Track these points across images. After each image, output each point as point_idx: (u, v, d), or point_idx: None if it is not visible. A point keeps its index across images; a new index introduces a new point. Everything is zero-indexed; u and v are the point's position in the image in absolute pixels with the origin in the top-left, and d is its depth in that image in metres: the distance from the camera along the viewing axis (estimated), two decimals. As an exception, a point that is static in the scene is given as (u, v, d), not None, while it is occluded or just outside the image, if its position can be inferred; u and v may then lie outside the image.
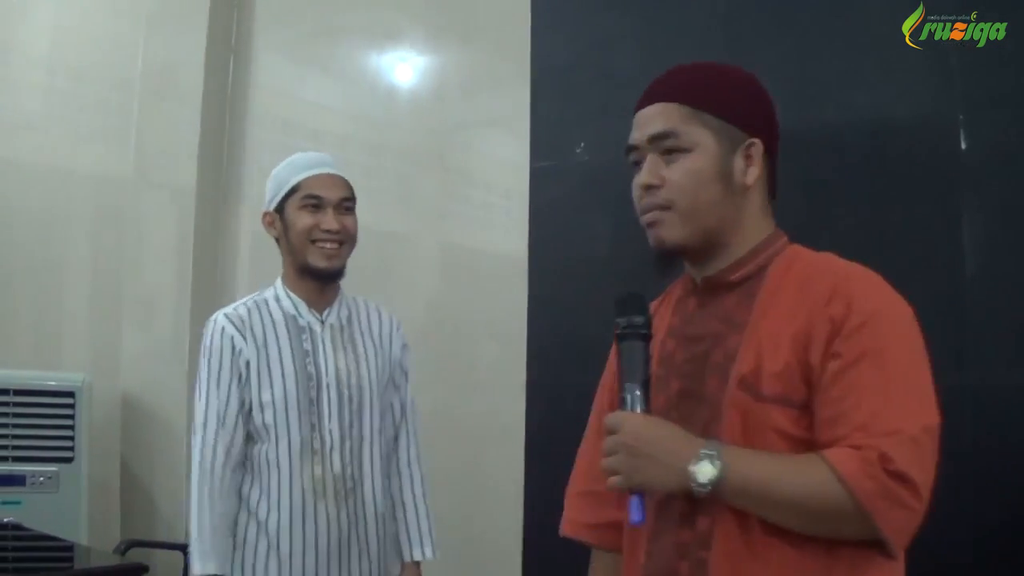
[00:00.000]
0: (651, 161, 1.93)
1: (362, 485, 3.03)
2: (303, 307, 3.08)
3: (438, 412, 4.04)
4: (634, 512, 1.78)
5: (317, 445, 2.98)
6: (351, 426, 3.03)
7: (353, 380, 3.05)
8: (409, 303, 4.22)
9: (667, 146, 1.92)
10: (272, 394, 2.99)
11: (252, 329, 3.03)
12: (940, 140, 2.90)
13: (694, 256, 1.97)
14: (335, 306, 3.12)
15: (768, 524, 1.76)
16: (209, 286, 4.83)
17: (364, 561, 3.03)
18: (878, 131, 3.00)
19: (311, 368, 3.03)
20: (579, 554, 3.25)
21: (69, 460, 4.43)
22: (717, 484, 1.71)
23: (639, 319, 1.87)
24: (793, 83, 3.13)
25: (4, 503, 4.25)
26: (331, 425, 3.00)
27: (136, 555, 3.99)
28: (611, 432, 1.80)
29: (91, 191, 5.53)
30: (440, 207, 4.31)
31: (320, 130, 4.87)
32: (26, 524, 4.02)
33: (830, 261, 1.92)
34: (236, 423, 2.99)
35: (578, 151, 3.58)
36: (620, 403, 1.83)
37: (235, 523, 2.99)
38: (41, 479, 4.36)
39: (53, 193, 5.65)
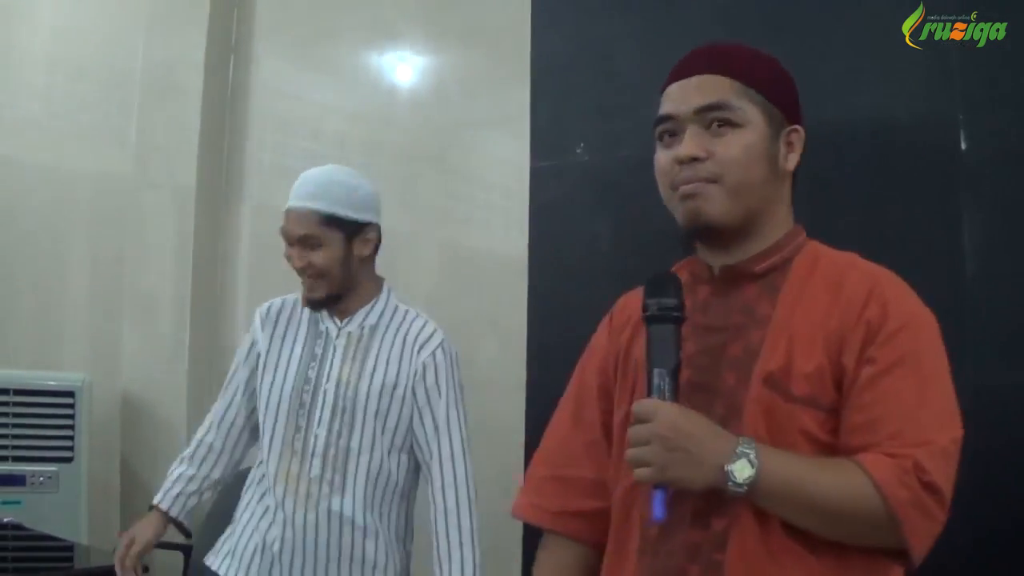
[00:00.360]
0: (695, 133, 1.87)
1: (341, 495, 2.99)
2: (325, 313, 3.11)
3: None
4: (657, 507, 1.71)
5: (298, 446, 3.00)
6: (339, 435, 3.00)
7: (350, 392, 3.02)
8: (409, 303, 4.22)
9: (718, 117, 1.86)
10: (269, 390, 3.07)
11: (276, 322, 3.15)
12: (940, 140, 2.89)
13: (727, 238, 1.91)
14: (359, 315, 3.10)
15: (787, 527, 1.72)
16: (209, 285, 4.84)
17: (314, 564, 2.99)
18: (878, 131, 2.99)
19: (312, 372, 3.05)
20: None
21: (69, 460, 4.44)
22: (753, 484, 1.66)
23: (671, 301, 1.79)
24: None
25: (4, 503, 4.26)
26: (318, 431, 3.00)
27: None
28: (642, 420, 1.72)
29: (91, 190, 5.52)
30: (440, 207, 4.31)
31: (320, 129, 4.87)
32: (26, 524, 4.03)
33: (858, 261, 1.90)
34: (238, 406, 3.20)
35: (578, 151, 3.58)
36: (648, 389, 1.75)
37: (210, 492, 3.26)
38: (41, 479, 4.37)
39: (53, 192, 5.65)
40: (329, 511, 2.97)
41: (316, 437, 2.99)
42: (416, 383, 3.04)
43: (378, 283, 3.16)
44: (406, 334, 3.09)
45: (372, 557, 3.03)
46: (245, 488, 3.15)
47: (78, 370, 4.74)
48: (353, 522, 3.00)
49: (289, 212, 3.02)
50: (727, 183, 1.84)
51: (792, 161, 1.93)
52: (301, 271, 3.01)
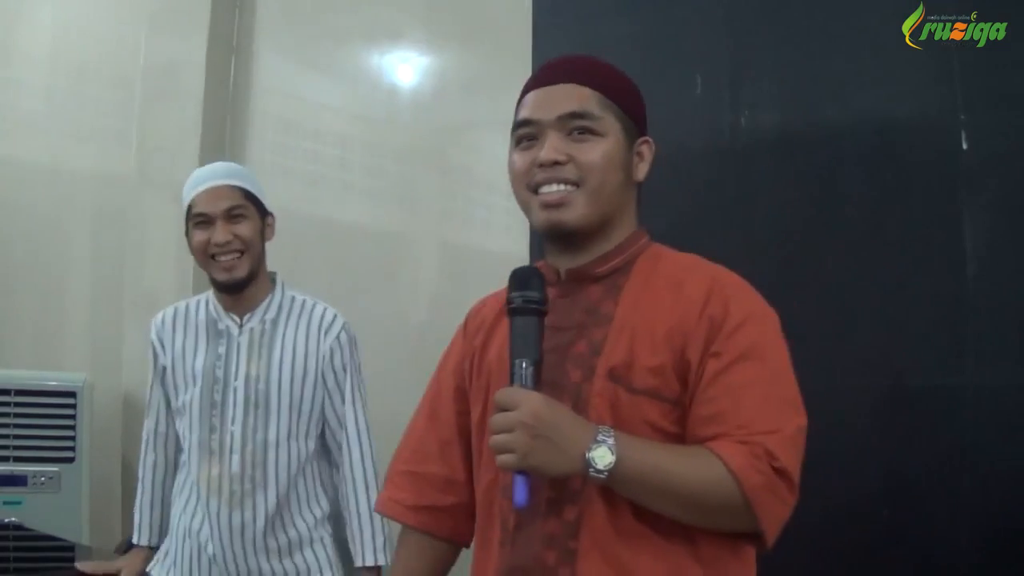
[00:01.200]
0: (555, 138, 1.94)
1: (264, 489, 3.02)
2: (221, 311, 3.13)
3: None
4: (519, 492, 1.76)
5: (215, 446, 3.03)
6: (255, 430, 3.03)
7: (261, 385, 3.05)
8: (410, 303, 4.22)
9: (580, 126, 1.94)
10: (181, 396, 3.11)
11: (173, 330, 3.17)
12: (941, 140, 2.90)
13: (580, 241, 1.99)
14: (259, 311, 3.12)
15: (638, 513, 1.80)
16: (209, 286, 4.83)
17: (257, 564, 3.03)
18: (879, 131, 3.00)
19: (219, 372, 3.07)
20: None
21: (70, 460, 4.43)
22: (612, 471, 1.71)
23: (535, 294, 1.86)
24: (794, 83, 3.13)
25: (5, 503, 4.25)
26: (233, 428, 3.03)
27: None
28: (505, 408, 1.77)
29: (92, 190, 5.52)
30: (441, 207, 4.31)
31: (321, 130, 4.87)
32: (27, 524, 4.02)
33: (699, 262, 1.99)
34: (164, 417, 3.24)
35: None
36: (511, 379, 1.81)
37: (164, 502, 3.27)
38: (42, 479, 4.36)
39: (54, 192, 5.65)
40: (255, 507, 3.01)
41: (232, 434, 3.02)
42: (325, 368, 3.11)
43: (270, 276, 3.19)
44: (308, 322, 3.14)
45: (306, 544, 3.10)
46: (173, 497, 3.19)
47: (79, 370, 4.73)
48: (280, 514, 3.05)
49: (208, 191, 3.05)
50: (588, 187, 1.93)
51: (642, 171, 2.02)
52: (224, 246, 3.01)
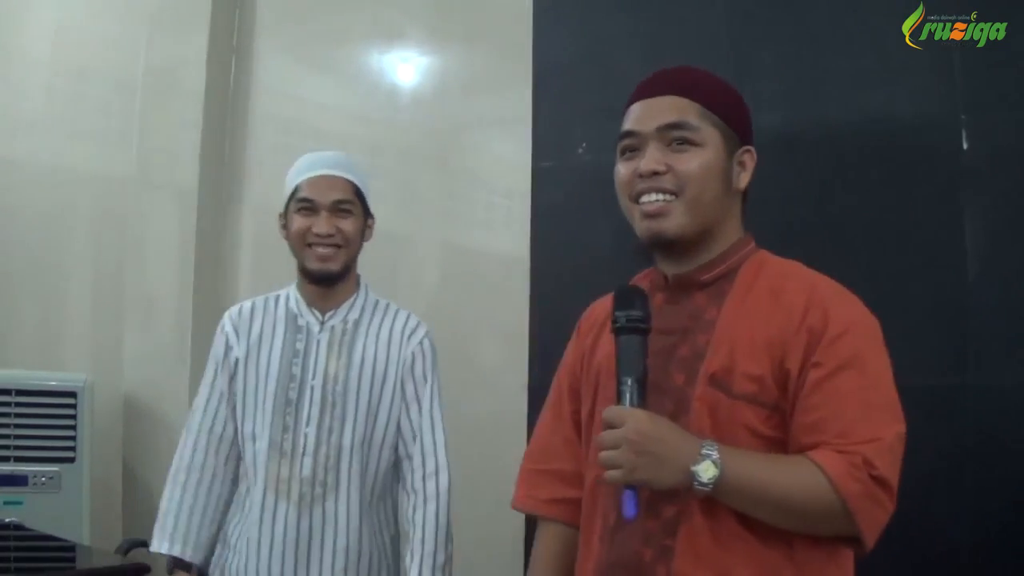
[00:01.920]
0: (656, 148, 2.00)
1: (335, 494, 2.94)
2: (304, 307, 3.04)
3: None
4: (628, 506, 1.82)
5: (287, 447, 2.93)
6: (331, 432, 2.95)
7: (339, 387, 2.97)
8: (411, 304, 4.19)
9: (679, 136, 2.00)
10: (256, 393, 2.99)
11: (250, 325, 3.05)
12: (942, 139, 2.90)
13: (682, 250, 2.04)
14: (342, 309, 3.06)
15: (737, 516, 1.86)
16: (211, 286, 4.83)
17: (320, 568, 2.94)
18: (880, 130, 3.00)
19: (296, 369, 2.98)
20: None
21: (71, 460, 4.43)
22: (717, 484, 1.78)
23: (637, 313, 1.91)
24: (795, 82, 3.14)
25: (6, 503, 4.25)
26: (308, 429, 2.94)
27: (138, 555, 3.99)
28: (611, 426, 1.84)
29: (93, 191, 5.52)
30: (442, 207, 4.31)
31: (322, 130, 4.87)
32: (28, 524, 4.03)
33: (800, 270, 2.03)
34: (224, 417, 3.03)
35: (580, 151, 3.58)
36: (618, 397, 1.87)
37: (214, 516, 3.03)
38: (43, 479, 4.36)
39: (55, 193, 5.65)
40: (324, 513, 2.93)
41: (306, 436, 2.93)
42: (405, 375, 3.04)
43: (358, 277, 3.14)
44: (391, 326, 3.09)
45: (367, 556, 3.00)
46: (232, 510, 3.05)
47: (80, 371, 4.73)
48: (348, 523, 2.96)
49: (320, 178, 2.99)
50: (687, 197, 1.99)
51: (744, 180, 2.07)
52: (324, 238, 2.95)
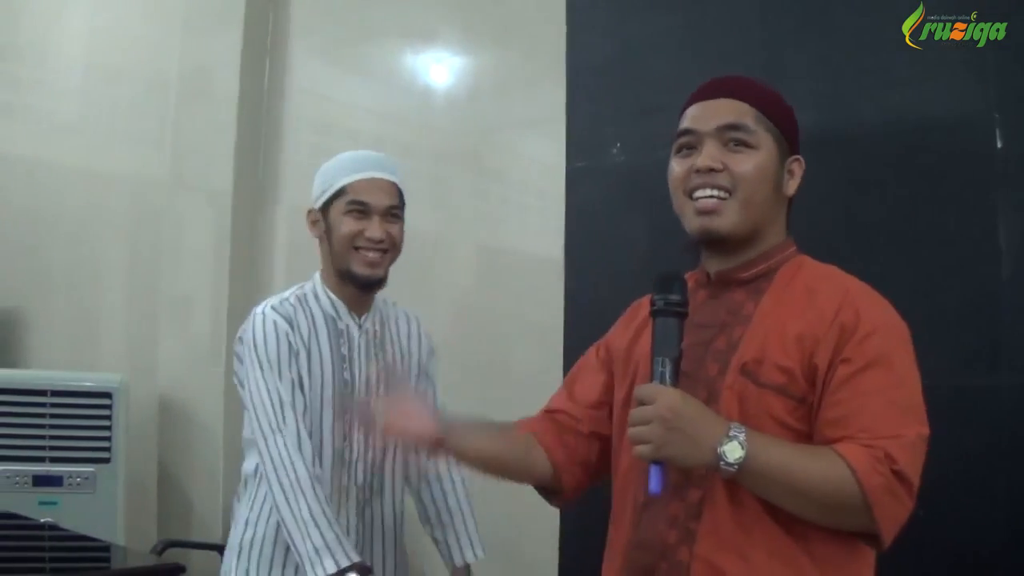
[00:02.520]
0: (712, 147, 2.06)
1: (381, 496, 2.98)
2: (343, 309, 2.98)
3: (474, 414, 4.04)
4: (654, 481, 1.87)
5: (348, 456, 2.90)
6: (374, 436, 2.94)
7: (381, 390, 2.97)
8: (445, 305, 4.22)
9: (735, 137, 2.06)
10: (311, 395, 2.85)
11: (300, 326, 2.90)
12: (975, 138, 2.88)
13: (731, 247, 2.10)
14: (372, 312, 3.04)
15: (759, 502, 1.90)
16: (245, 287, 4.84)
17: (387, 572, 2.99)
18: (913, 130, 2.98)
19: (347, 375, 2.93)
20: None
21: (106, 461, 4.45)
22: (742, 465, 1.81)
23: (675, 297, 1.96)
24: (828, 82, 3.12)
25: (42, 503, 4.28)
26: (358, 435, 2.92)
27: (173, 555, 4.01)
28: (644, 403, 1.87)
29: (128, 193, 5.55)
30: (475, 208, 4.31)
31: (355, 131, 4.87)
32: (63, 524, 4.04)
33: (835, 273, 2.10)
34: (303, 418, 2.81)
35: (614, 151, 3.57)
36: (652, 375, 1.91)
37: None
38: (78, 480, 4.39)
39: (90, 195, 5.69)
40: (372, 515, 2.95)
41: (358, 441, 2.92)
42: (422, 372, 3.13)
43: None
44: (406, 324, 3.15)
45: (403, 546, 3.09)
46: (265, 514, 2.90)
47: (115, 371, 4.75)
48: (395, 519, 3.02)
49: (373, 181, 2.93)
50: (740, 196, 2.05)
51: (792, 187, 2.14)
52: (377, 243, 2.89)
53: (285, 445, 2.75)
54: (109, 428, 4.48)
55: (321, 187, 2.98)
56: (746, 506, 1.91)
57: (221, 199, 4.89)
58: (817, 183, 3.09)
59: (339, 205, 2.92)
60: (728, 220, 2.05)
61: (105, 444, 4.46)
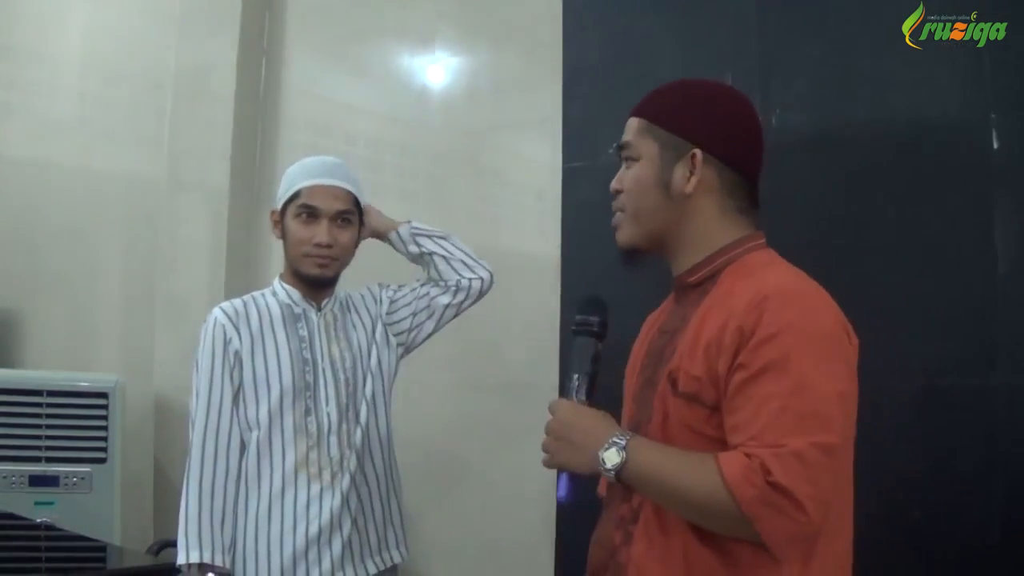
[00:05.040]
0: (621, 168, 2.19)
1: (362, 468, 3.06)
2: (298, 296, 3.11)
3: (470, 414, 4.04)
4: (560, 488, 2.03)
5: (312, 428, 2.99)
6: (348, 409, 3.05)
7: (348, 364, 3.09)
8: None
9: (625, 155, 2.18)
10: (268, 381, 3.00)
11: (248, 319, 3.07)
12: (972, 138, 2.88)
13: (654, 254, 2.19)
14: (330, 301, 3.16)
15: None
16: (242, 288, 4.82)
17: (359, 543, 3.05)
18: (910, 130, 2.98)
19: (307, 354, 3.05)
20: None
21: (102, 461, 4.44)
22: (620, 470, 1.89)
23: (593, 319, 2.12)
24: (826, 82, 3.13)
25: (38, 504, 4.27)
26: (328, 408, 3.02)
27: (169, 555, 3.99)
28: (550, 415, 2.04)
29: (124, 193, 5.55)
30: (472, 208, 4.30)
31: (352, 131, 4.87)
32: (59, 524, 4.04)
33: (765, 273, 2.00)
34: (230, 415, 2.99)
35: (610, 152, 3.57)
36: (561, 390, 2.12)
37: (234, 515, 2.98)
38: (74, 480, 4.38)
39: (86, 195, 5.68)
40: (350, 490, 3.02)
41: (328, 415, 3.02)
42: (383, 322, 3.23)
43: None
44: (364, 306, 3.26)
45: (392, 513, 3.18)
46: (250, 519, 2.99)
47: (111, 371, 4.74)
48: (380, 489, 3.12)
49: (323, 187, 3.05)
50: (627, 211, 2.16)
51: (689, 184, 2.09)
52: (324, 249, 3.02)
53: (194, 436, 2.98)
54: (105, 428, 4.47)
55: (282, 190, 3.12)
56: (670, 511, 1.94)
57: (217, 199, 4.89)
58: (814, 182, 3.11)
59: (292, 208, 3.07)
60: (623, 233, 2.17)
61: (101, 444, 4.45)
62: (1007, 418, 2.77)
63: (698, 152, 2.07)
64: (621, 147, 2.18)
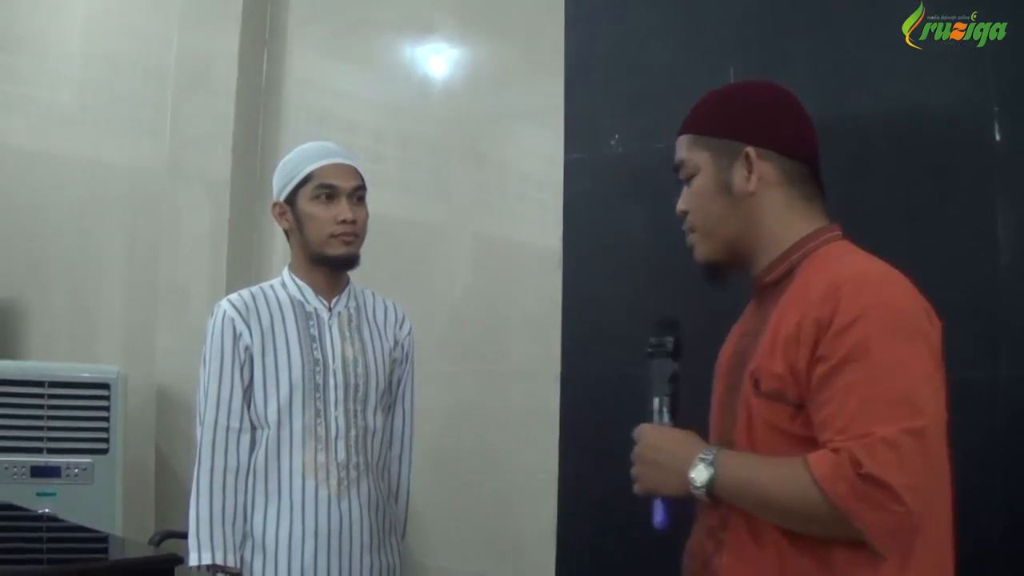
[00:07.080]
0: (684, 190, 2.17)
1: (366, 475, 3.03)
2: (310, 293, 3.08)
3: (472, 405, 4.03)
4: (656, 514, 2.02)
5: (321, 432, 2.97)
6: (356, 415, 3.02)
7: (360, 368, 3.05)
8: (443, 295, 4.22)
9: (683, 175, 2.15)
10: (277, 379, 2.97)
11: (258, 313, 3.03)
12: (974, 131, 2.87)
13: (735, 265, 2.15)
14: (343, 296, 3.12)
15: None
16: (244, 278, 4.83)
17: (360, 549, 3.02)
18: (911, 122, 2.98)
19: (317, 354, 3.01)
20: (613, 545, 3.25)
21: (104, 452, 4.45)
22: (711, 486, 1.88)
23: (668, 339, 2.11)
24: (826, 76, 3.11)
25: (39, 494, 4.27)
26: (337, 412, 2.99)
27: (171, 546, 4.00)
28: (635, 443, 2.03)
29: (126, 183, 5.55)
30: (473, 199, 4.30)
31: (354, 122, 4.87)
32: (61, 515, 4.04)
33: (840, 263, 1.99)
34: (240, 411, 2.97)
35: (612, 143, 3.56)
36: (648, 415, 2.06)
37: (244, 513, 2.97)
38: (76, 471, 4.38)
39: (88, 186, 5.68)
40: (359, 494, 3.00)
41: (336, 419, 2.99)
42: (397, 360, 3.20)
43: None
44: (384, 312, 3.22)
45: (393, 520, 3.18)
46: (257, 519, 2.98)
47: (113, 362, 4.75)
48: (380, 496, 3.09)
49: (336, 165, 3.04)
50: (698, 228, 2.14)
51: (751, 182, 2.07)
52: (351, 224, 3.00)
53: (203, 432, 2.96)
54: (107, 419, 4.47)
55: (285, 179, 3.08)
56: (761, 519, 1.90)
57: (219, 189, 4.88)
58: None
59: (307, 191, 3.02)
60: (701, 251, 2.14)
61: (103, 435, 4.46)
62: (1009, 411, 2.76)
63: (751, 149, 2.06)
64: (676, 168, 2.16)
